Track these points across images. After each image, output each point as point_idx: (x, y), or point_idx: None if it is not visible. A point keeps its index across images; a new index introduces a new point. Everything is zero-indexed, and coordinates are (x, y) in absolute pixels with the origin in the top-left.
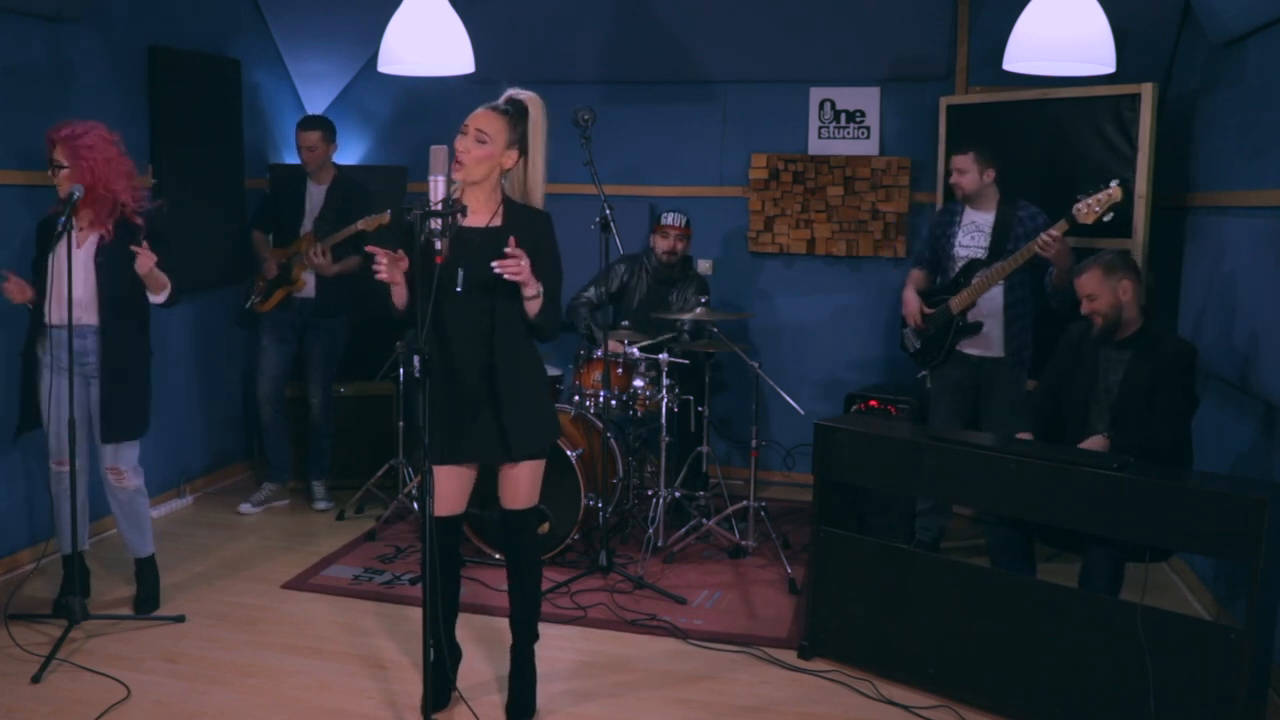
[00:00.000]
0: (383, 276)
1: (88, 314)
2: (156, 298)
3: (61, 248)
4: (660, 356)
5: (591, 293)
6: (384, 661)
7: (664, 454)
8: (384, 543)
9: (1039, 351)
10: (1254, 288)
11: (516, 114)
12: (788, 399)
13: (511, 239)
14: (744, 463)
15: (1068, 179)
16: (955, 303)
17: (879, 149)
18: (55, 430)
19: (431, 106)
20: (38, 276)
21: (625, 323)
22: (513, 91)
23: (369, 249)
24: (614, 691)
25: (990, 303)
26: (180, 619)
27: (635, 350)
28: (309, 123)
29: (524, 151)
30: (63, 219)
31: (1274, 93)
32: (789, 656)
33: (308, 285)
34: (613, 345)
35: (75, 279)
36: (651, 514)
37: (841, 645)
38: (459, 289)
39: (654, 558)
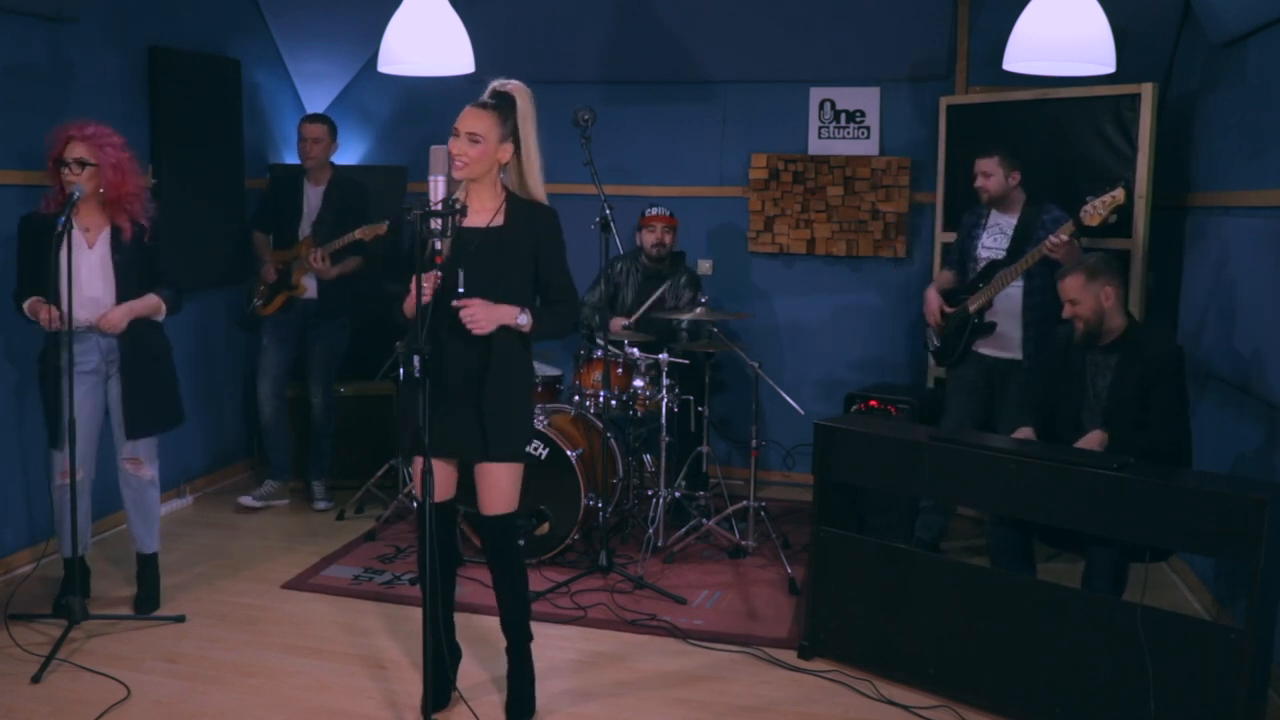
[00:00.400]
0: (427, 299)
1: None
2: (157, 317)
3: (74, 248)
4: (660, 356)
5: (594, 296)
6: (384, 661)
7: (664, 454)
8: (384, 543)
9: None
10: (1254, 288)
11: (504, 107)
12: (788, 399)
13: (470, 302)
14: (744, 463)
15: (1068, 179)
16: (972, 302)
17: (879, 149)
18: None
19: (431, 106)
20: (34, 278)
21: (625, 322)
22: (496, 84)
23: (424, 278)
24: (614, 691)
25: (1008, 303)
26: (180, 619)
27: (635, 350)
28: (315, 116)
29: (517, 143)
30: (62, 219)
31: (1274, 93)
32: (789, 656)
33: (308, 288)
34: (614, 324)
35: (93, 279)
36: (651, 514)
37: (841, 645)
38: (460, 290)
39: (654, 558)
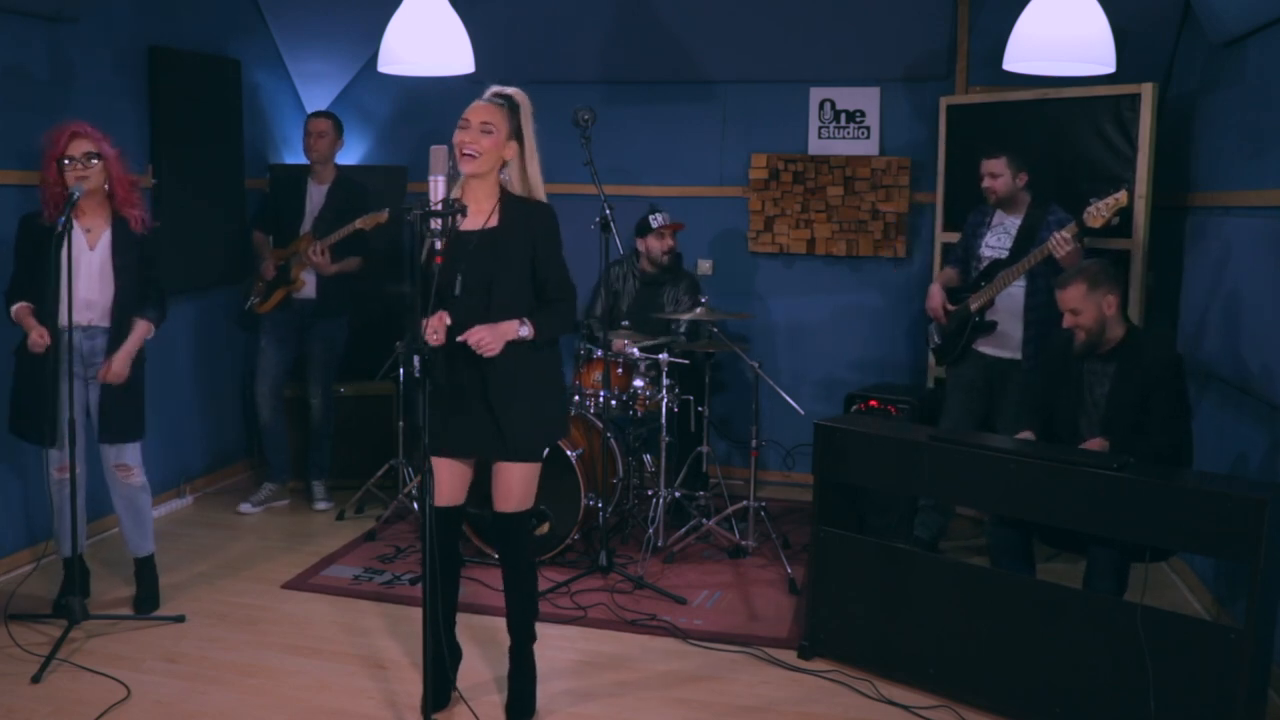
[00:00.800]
0: (439, 341)
1: (101, 316)
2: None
3: (74, 248)
4: (660, 356)
5: (597, 308)
6: (384, 661)
7: (664, 454)
8: (384, 543)
9: None
10: (1254, 288)
11: (510, 106)
12: (788, 399)
13: (471, 332)
14: (744, 463)
15: (1068, 179)
16: (974, 301)
17: (879, 149)
18: (63, 433)
19: (431, 106)
20: (30, 277)
21: (625, 323)
22: (497, 88)
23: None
24: (614, 691)
25: (1009, 303)
26: (180, 619)
27: (636, 350)
28: (321, 112)
29: (520, 143)
30: (62, 219)
31: (1274, 93)
32: (789, 656)
33: (308, 285)
34: (616, 345)
35: (90, 281)
36: (651, 514)
37: (841, 645)
38: (457, 293)
39: (654, 558)
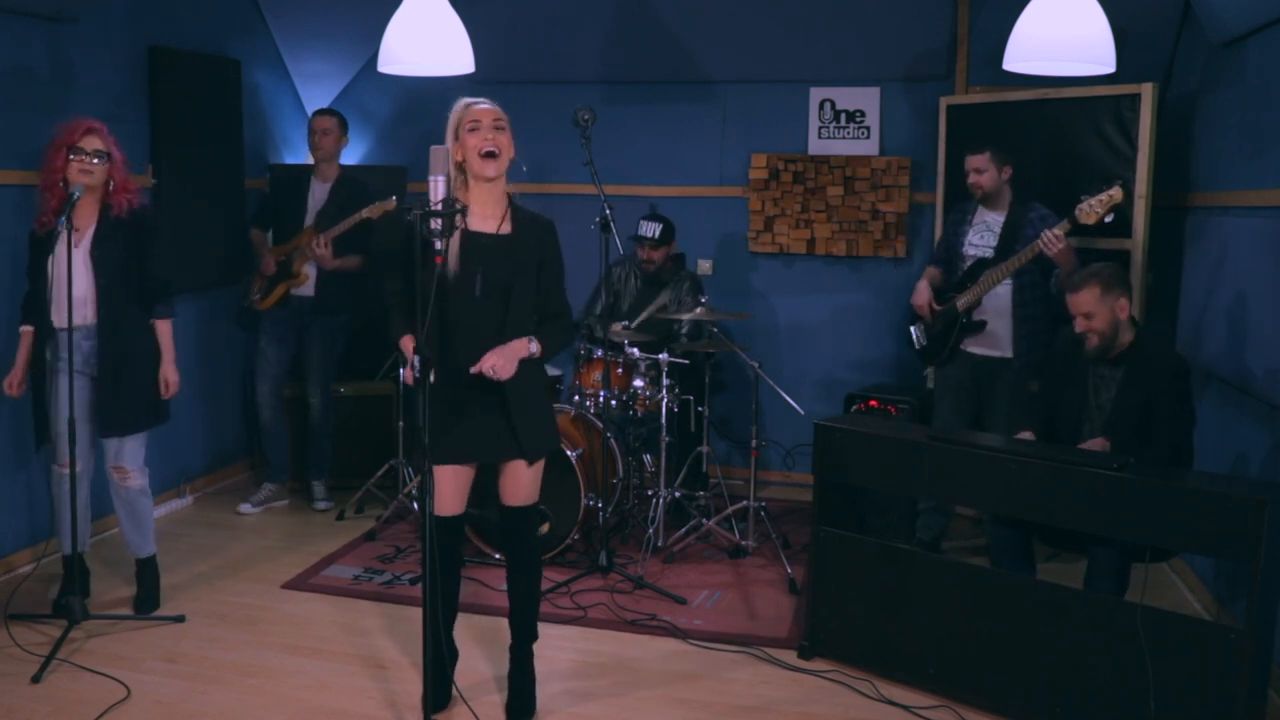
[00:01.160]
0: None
1: (91, 312)
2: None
3: (61, 249)
4: (660, 356)
5: (597, 307)
6: (384, 661)
7: (664, 454)
8: (384, 543)
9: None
10: (1254, 288)
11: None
12: (788, 399)
13: (485, 360)
14: (744, 463)
15: (1068, 179)
16: (960, 300)
17: (879, 149)
18: (59, 431)
19: (431, 106)
20: (35, 283)
21: (625, 323)
22: (468, 99)
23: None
24: (614, 691)
25: (997, 302)
26: (180, 619)
27: (636, 350)
28: (326, 110)
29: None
30: (62, 219)
31: (1274, 93)
32: (789, 656)
33: (308, 282)
34: (614, 330)
35: (79, 278)
36: (651, 514)
37: (841, 645)
38: (478, 294)
39: (654, 558)
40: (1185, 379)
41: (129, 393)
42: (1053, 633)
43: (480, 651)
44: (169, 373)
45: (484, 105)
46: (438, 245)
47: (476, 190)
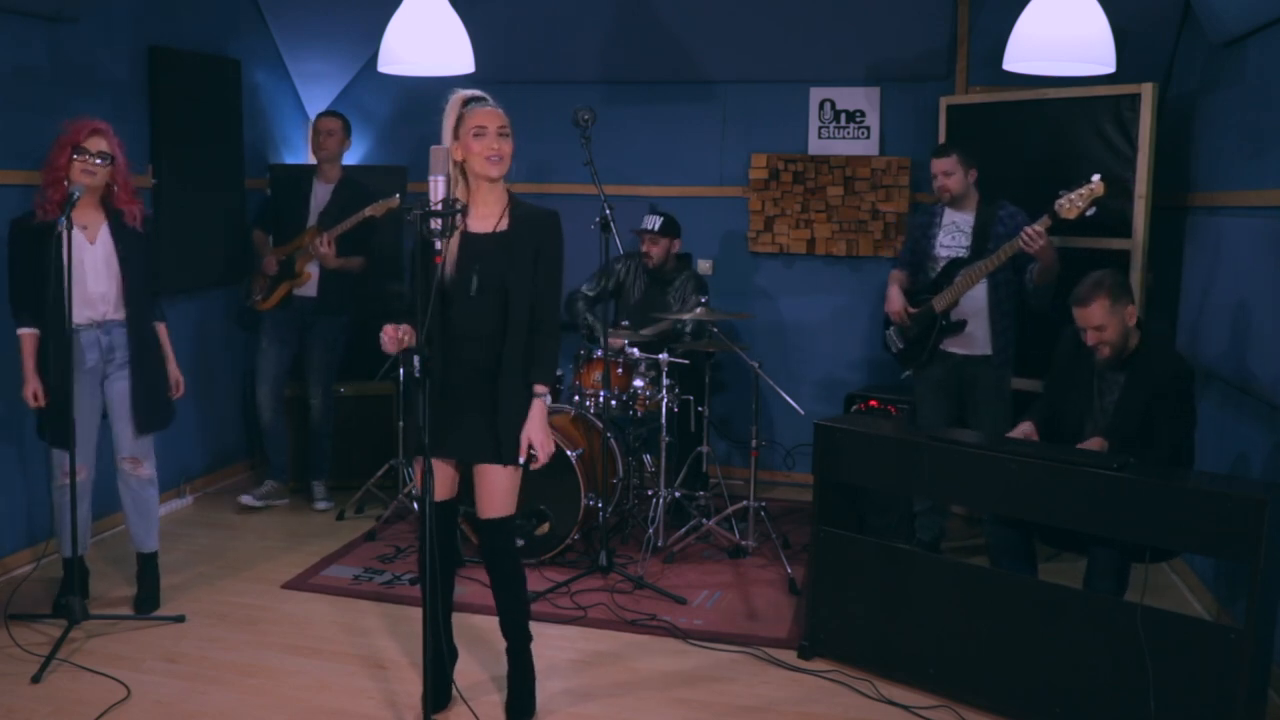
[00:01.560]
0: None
1: (113, 309)
2: None
3: (74, 247)
4: (660, 356)
5: (587, 287)
6: (384, 661)
7: (664, 454)
8: (384, 543)
9: (1022, 349)
10: (1254, 288)
11: (503, 108)
12: (788, 399)
13: (523, 459)
14: (744, 463)
15: (1067, 179)
16: (938, 302)
17: (879, 149)
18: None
19: (431, 106)
20: (31, 281)
21: (625, 322)
22: (466, 92)
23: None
24: (614, 691)
25: (974, 301)
26: (180, 619)
27: (636, 350)
28: (330, 111)
29: None
30: (63, 219)
31: (1274, 93)
32: (789, 656)
33: (310, 282)
34: (614, 342)
35: (98, 275)
36: (651, 514)
37: (841, 645)
38: (473, 294)
39: (654, 558)
40: (1189, 382)
41: (158, 389)
42: (1053, 633)
43: (480, 651)
44: (175, 372)
45: (487, 108)
46: (437, 245)
47: (477, 190)
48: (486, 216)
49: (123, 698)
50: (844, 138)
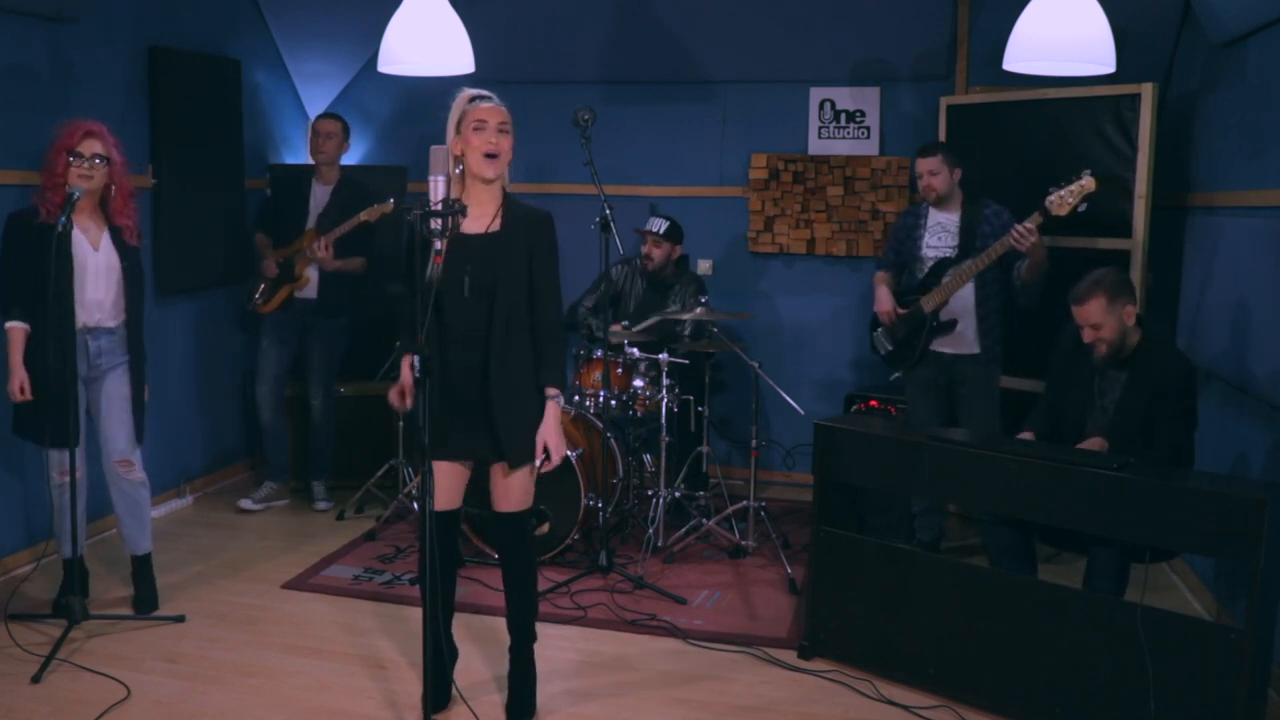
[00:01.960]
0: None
1: (108, 316)
2: None
3: (76, 250)
4: (660, 356)
5: (588, 299)
6: (384, 661)
7: (664, 454)
8: (384, 543)
9: (1011, 347)
10: (1254, 288)
11: (506, 105)
12: (788, 399)
13: (538, 461)
14: (744, 463)
15: (1067, 179)
16: (927, 302)
17: (879, 149)
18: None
19: (431, 106)
20: (27, 279)
21: (625, 323)
22: (472, 91)
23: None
24: (614, 691)
25: (962, 301)
26: (180, 619)
27: (636, 350)
28: (330, 113)
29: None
30: (63, 219)
31: (1274, 93)
32: (789, 656)
33: (310, 285)
34: (614, 337)
35: (97, 281)
36: (651, 514)
37: (841, 645)
38: (466, 295)
39: (654, 558)
40: (1190, 380)
41: (143, 399)
42: (1053, 633)
43: (480, 651)
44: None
45: (490, 104)
46: (437, 245)
47: (473, 189)
48: (480, 217)
49: (123, 698)
50: (844, 138)
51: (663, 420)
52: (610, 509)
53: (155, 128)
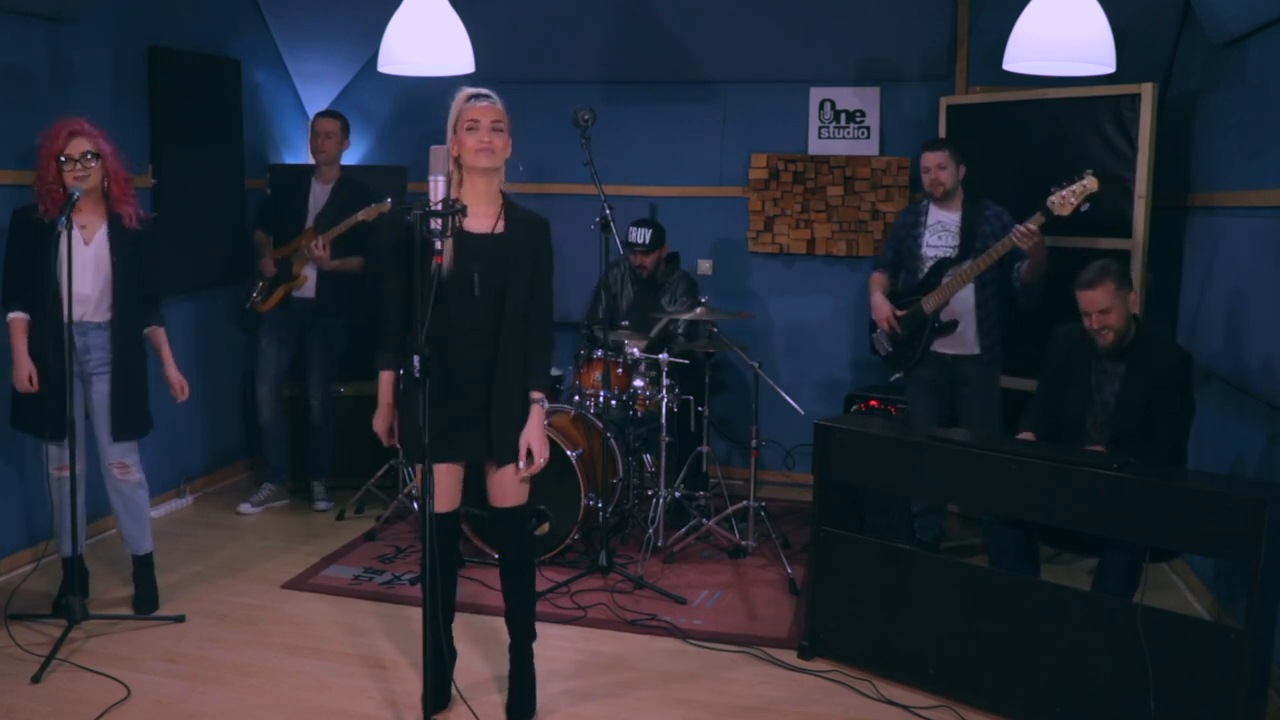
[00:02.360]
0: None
1: (96, 311)
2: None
3: (66, 247)
4: (660, 356)
5: (600, 311)
6: (384, 661)
7: (664, 454)
8: (384, 543)
9: (1010, 347)
10: (1254, 288)
11: (503, 104)
12: (788, 399)
13: (522, 464)
14: (744, 463)
15: (1069, 179)
16: (927, 303)
17: (879, 149)
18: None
19: (431, 106)
20: (26, 273)
21: (625, 323)
22: (471, 90)
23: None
24: (614, 691)
25: (962, 301)
26: (180, 619)
27: (636, 350)
28: (328, 112)
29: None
30: (62, 219)
31: (1274, 93)
32: (789, 656)
33: (308, 284)
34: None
35: (84, 275)
36: (651, 514)
37: (841, 645)
38: (477, 294)
39: (654, 558)
40: (1187, 372)
41: (138, 395)
42: (1053, 633)
43: (480, 651)
44: (176, 375)
45: (484, 103)
46: (437, 245)
47: (471, 187)
48: (482, 216)
49: (123, 698)
50: (844, 138)
51: (663, 420)
52: (610, 509)
53: (155, 128)
